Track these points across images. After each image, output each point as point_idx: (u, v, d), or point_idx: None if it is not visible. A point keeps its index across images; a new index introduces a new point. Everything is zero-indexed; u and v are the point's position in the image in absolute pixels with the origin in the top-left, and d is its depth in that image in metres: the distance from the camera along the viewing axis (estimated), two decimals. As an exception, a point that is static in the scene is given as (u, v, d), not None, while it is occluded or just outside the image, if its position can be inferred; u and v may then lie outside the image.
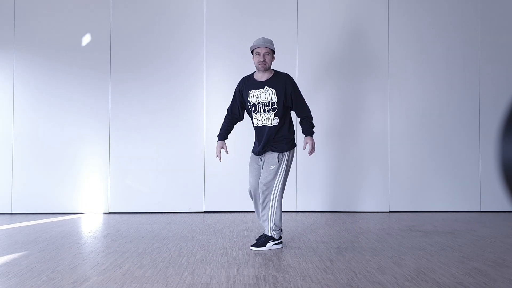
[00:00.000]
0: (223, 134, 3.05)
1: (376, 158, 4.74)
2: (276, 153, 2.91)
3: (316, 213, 4.62)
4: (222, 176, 4.68)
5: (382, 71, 4.77)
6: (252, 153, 3.06)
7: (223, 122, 3.09)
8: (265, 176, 2.90)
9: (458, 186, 4.76)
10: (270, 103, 2.86)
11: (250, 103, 2.91)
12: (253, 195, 3.06)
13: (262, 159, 2.97)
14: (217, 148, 3.02)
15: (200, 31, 4.73)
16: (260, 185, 2.91)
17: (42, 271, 2.39)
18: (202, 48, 4.73)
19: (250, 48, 2.90)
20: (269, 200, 2.91)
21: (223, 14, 4.75)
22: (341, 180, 4.72)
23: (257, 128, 2.96)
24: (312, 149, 3.01)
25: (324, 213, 4.62)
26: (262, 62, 2.83)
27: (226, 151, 3.05)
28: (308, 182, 4.71)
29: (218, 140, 3.05)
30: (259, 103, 2.88)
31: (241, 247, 3.01)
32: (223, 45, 4.73)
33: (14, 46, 4.66)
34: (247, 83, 2.96)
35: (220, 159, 3.00)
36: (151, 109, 4.69)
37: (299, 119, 3.09)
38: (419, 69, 4.80)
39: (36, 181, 4.63)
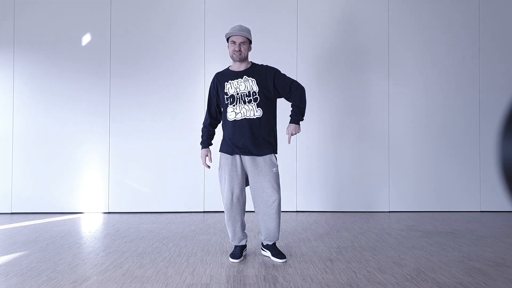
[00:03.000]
0: (206, 141, 2.76)
1: (376, 158, 4.73)
2: (270, 154, 2.63)
3: (316, 213, 4.62)
4: (222, 176, 4.67)
5: (382, 71, 4.77)
6: (227, 154, 2.66)
7: (203, 128, 2.79)
8: (273, 183, 2.59)
9: (458, 186, 4.76)
10: (251, 93, 2.59)
11: (227, 95, 2.62)
12: (236, 207, 2.64)
13: (247, 161, 2.62)
14: (202, 158, 2.74)
15: (200, 29, 4.73)
16: (272, 197, 2.59)
17: (42, 271, 2.39)
18: (202, 47, 4.73)
19: (225, 35, 2.64)
20: (280, 210, 2.65)
21: (223, 10, 4.74)
22: (341, 180, 4.72)
23: (235, 123, 2.60)
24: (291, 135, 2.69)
25: (324, 213, 4.62)
26: (237, 51, 2.59)
27: (210, 160, 2.75)
28: (308, 182, 4.71)
29: (202, 148, 2.75)
30: (237, 94, 2.60)
31: (241, 247, 3.01)
32: (223, 43, 4.72)
33: (14, 45, 4.66)
34: (223, 76, 2.70)
35: (209, 167, 2.73)
36: (151, 109, 4.69)
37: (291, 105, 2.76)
38: (419, 69, 4.79)
39: (36, 181, 4.63)
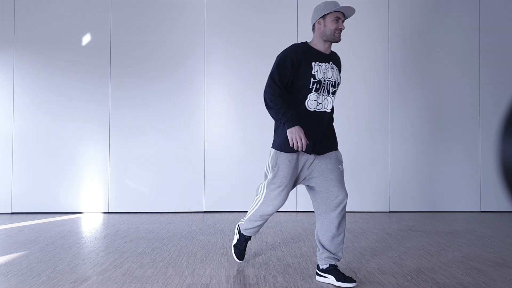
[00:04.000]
0: (295, 115, 2.05)
1: (376, 158, 4.73)
2: (337, 150, 2.26)
3: (316, 213, 4.61)
4: (222, 175, 4.68)
5: (383, 71, 4.77)
6: (292, 154, 2.15)
7: (277, 98, 2.06)
8: (340, 182, 2.18)
9: (458, 186, 4.76)
10: (336, 83, 2.21)
11: (315, 79, 2.11)
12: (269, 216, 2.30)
13: (311, 160, 2.19)
14: (299, 135, 1.99)
15: (200, 29, 4.73)
16: (339, 197, 2.15)
17: (42, 271, 2.39)
18: (202, 47, 4.73)
19: (324, 10, 2.15)
20: (345, 216, 2.22)
21: (222, 10, 4.74)
22: (341, 180, 4.71)
23: (314, 114, 2.15)
24: None
25: (324, 213, 4.62)
26: (340, 31, 2.15)
27: (306, 139, 2.03)
28: (308, 182, 4.71)
29: (293, 125, 2.01)
30: (324, 80, 2.15)
31: (241, 247, 3.00)
32: (223, 43, 4.72)
33: (14, 45, 4.66)
34: (308, 53, 2.16)
35: (304, 149, 2.02)
36: (151, 109, 4.69)
37: None
38: (419, 69, 4.79)
39: (36, 181, 4.62)
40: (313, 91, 2.13)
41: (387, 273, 2.35)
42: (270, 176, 2.20)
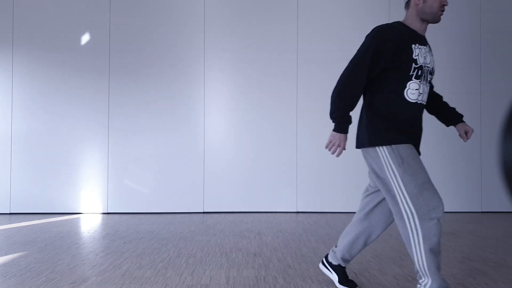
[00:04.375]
0: (349, 122, 1.86)
1: (376, 159, 4.72)
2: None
3: (316, 214, 4.61)
4: (222, 176, 4.67)
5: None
6: (409, 145, 1.82)
7: (347, 102, 1.81)
8: None
9: (459, 186, 4.75)
10: (434, 70, 1.88)
11: (416, 64, 1.76)
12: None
13: None
14: (342, 143, 1.88)
15: (200, 26, 4.72)
16: None
17: (41, 272, 2.38)
18: (201, 46, 4.72)
19: None
20: None
21: (222, 12, 4.74)
22: (342, 180, 4.71)
23: (415, 106, 1.84)
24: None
25: (325, 214, 4.61)
26: (443, 7, 1.80)
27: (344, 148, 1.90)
28: (308, 182, 4.70)
29: (344, 132, 1.86)
30: (425, 66, 1.80)
31: (240, 247, 3.00)
32: (223, 43, 4.72)
33: (13, 46, 4.65)
34: (407, 33, 1.80)
35: (338, 155, 1.91)
36: (150, 109, 4.68)
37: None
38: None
39: (34, 181, 4.61)
40: (413, 78, 1.78)
41: (388, 274, 2.34)
42: (403, 181, 1.72)
